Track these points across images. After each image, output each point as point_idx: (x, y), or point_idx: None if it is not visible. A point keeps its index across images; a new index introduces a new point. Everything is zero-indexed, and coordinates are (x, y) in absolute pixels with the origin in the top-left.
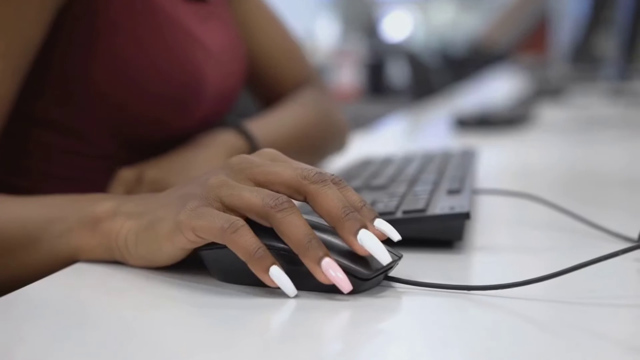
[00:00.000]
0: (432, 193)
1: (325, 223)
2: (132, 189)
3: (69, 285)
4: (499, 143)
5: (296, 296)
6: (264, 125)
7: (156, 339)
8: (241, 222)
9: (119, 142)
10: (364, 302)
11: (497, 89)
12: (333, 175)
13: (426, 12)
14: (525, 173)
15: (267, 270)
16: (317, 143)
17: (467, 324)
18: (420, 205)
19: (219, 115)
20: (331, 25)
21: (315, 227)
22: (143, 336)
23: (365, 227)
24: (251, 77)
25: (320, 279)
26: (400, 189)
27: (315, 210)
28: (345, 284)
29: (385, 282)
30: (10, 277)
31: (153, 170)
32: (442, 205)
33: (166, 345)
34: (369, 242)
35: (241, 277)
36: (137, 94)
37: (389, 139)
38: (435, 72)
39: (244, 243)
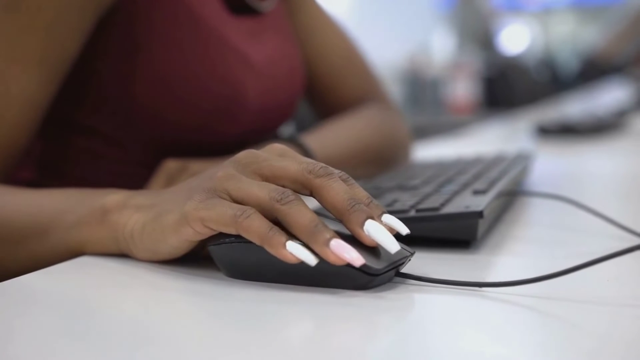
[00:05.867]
0: (457, 193)
1: (333, 218)
2: (174, 179)
3: (70, 277)
4: (578, 151)
5: (316, 263)
6: (321, 138)
7: (162, 333)
8: (252, 210)
9: (157, 151)
10: (374, 298)
11: (602, 100)
12: (341, 172)
13: (545, 24)
14: (589, 180)
15: (284, 246)
16: (376, 159)
17: (479, 321)
18: (435, 204)
19: (267, 128)
20: (447, 38)
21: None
22: (147, 330)
23: (372, 218)
24: (309, 88)
25: (331, 259)
26: (428, 189)
27: (322, 204)
28: (357, 259)
29: (396, 279)
30: (20, 268)
31: (198, 164)
32: (459, 204)
33: (173, 339)
34: (375, 232)
35: (250, 273)
36: (176, 105)
37: (469, 145)
38: (543, 85)
39: (257, 227)
